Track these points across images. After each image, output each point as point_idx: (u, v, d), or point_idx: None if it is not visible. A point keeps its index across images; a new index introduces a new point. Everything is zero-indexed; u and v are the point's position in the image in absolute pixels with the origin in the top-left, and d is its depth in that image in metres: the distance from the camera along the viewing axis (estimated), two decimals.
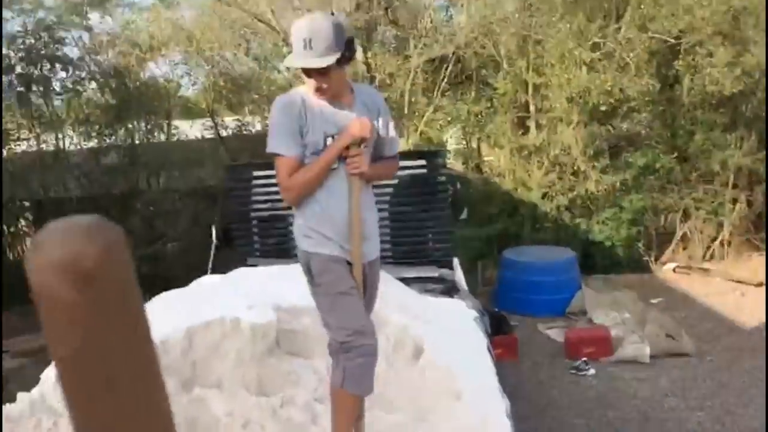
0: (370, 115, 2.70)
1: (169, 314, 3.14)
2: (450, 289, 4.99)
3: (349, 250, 2.64)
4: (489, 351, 3.61)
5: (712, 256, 10.26)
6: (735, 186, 10.01)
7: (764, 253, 10.14)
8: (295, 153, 2.58)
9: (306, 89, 2.65)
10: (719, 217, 10.05)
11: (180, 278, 9.10)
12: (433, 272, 5.36)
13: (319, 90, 2.56)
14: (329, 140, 2.60)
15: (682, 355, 6.45)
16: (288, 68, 10.61)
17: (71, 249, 0.55)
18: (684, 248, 10.35)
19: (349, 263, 2.66)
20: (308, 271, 2.69)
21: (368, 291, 2.74)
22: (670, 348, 6.50)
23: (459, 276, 5.56)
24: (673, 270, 9.76)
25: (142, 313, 0.62)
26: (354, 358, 2.51)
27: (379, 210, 5.54)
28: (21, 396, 2.56)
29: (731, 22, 9.36)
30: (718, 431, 4.99)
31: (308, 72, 2.53)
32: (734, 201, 9.99)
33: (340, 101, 2.66)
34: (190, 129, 11.62)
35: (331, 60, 2.48)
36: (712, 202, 10.01)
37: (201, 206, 10.35)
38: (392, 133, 2.88)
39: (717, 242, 10.25)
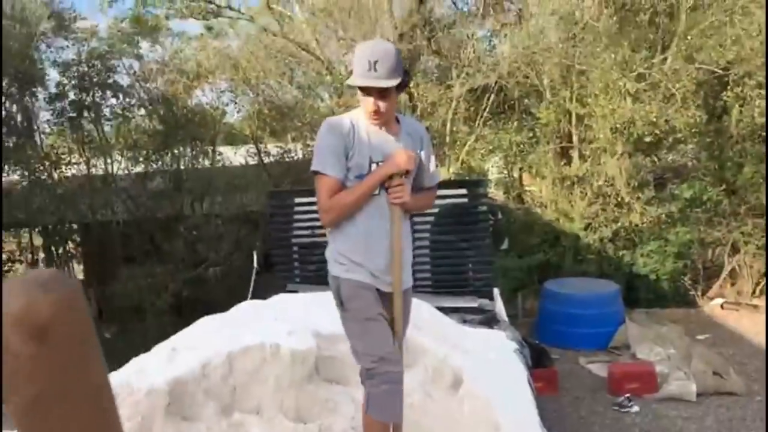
0: (414, 146, 2.75)
1: (210, 339, 3.17)
2: (490, 320, 4.93)
3: (380, 279, 2.66)
4: (529, 384, 3.54)
5: (761, 292, 9.95)
6: None
7: None
8: (339, 174, 2.59)
9: (357, 114, 2.69)
10: None
11: (221, 302, 9.22)
12: (473, 302, 5.30)
13: (375, 113, 2.59)
14: (374, 166, 2.63)
15: (730, 394, 6.24)
16: (331, 96, 10.80)
17: (26, 302, 0.57)
18: (732, 284, 10.07)
19: (378, 291, 2.67)
20: (338, 296, 2.70)
21: (401, 320, 2.74)
22: (717, 386, 6.28)
23: (499, 307, 5.49)
24: (721, 306, 9.49)
25: (98, 362, 0.63)
26: (378, 385, 2.54)
27: (420, 238, 5.62)
28: None
29: None
30: None
31: (369, 92, 2.56)
32: None
33: (387, 130, 2.70)
34: (234, 155, 11.83)
35: (395, 82, 2.55)
36: (762, 236, 9.73)
37: (243, 231, 10.50)
38: (433, 165, 2.91)
39: (766, 278, 9.95)
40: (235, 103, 12.10)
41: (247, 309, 3.91)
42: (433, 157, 2.92)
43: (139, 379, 2.77)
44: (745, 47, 9.07)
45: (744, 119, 9.58)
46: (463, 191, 5.84)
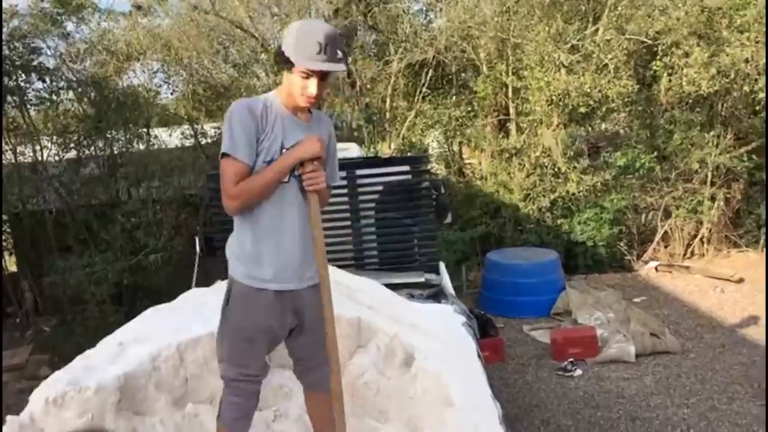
0: (324, 136, 2.69)
1: (158, 330, 3.11)
2: (437, 294, 4.99)
3: (288, 277, 2.59)
4: (479, 356, 3.62)
5: (692, 254, 10.41)
6: (713, 184, 10.16)
7: (742, 249, 10.34)
8: (249, 160, 2.47)
9: (271, 97, 2.59)
10: (698, 214, 10.19)
11: (163, 289, 9.08)
12: (419, 277, 5.35)
13: (313, 96, 2.50)
14: (284, 151, 2.53)
15: (666, 353, 6.53)
16: (267, 74, 10.62)
17: None
18: (665, 246, 10.48)
19: (281, 293, 2.59)
20: (226, 297, 2.63)
21: (309, 315, 2.67)
22: (654, 346, 6.57)
23: (446, 280, 5.56)
24: (655, 269, 9.87)
25: None
26: (230, 395, 2.63)
27: (365, 217, 5.62)
28: (10, 419, 2.52)
29: (705, 23, 9.50)
30: (704, 427, 5.05)
31: (309, 76, 2.47)
32: (713, 198, 10.13)
33: (300, 116, 2.62)
34: (170, 138, 11.52)
35: (344, 66, 2.50)
36: (692, 200, 10.14)
37: (182, 216, 10.28)
38: (335, 162, 2.84)
39: (697, 240, 10.39)
40: (169, 83, 11.79)
41: (193, 297, 3.85)
42: (336, 155, 2.85)
43: (87, 376, 2.70)
44: (671, 17, 9.34)
45: (673, 88, 9.89)
46: (406, 167, 5.85)
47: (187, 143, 11.52)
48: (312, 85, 2.48)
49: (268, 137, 2.51)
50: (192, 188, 10.69)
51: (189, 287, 5.35)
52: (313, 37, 2.42)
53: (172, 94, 12.07)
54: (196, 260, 6.06)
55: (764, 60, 9.11)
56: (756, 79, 9.36)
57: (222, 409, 2.63)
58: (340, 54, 2.50)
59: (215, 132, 11.47)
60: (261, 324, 2.59)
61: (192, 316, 3.28)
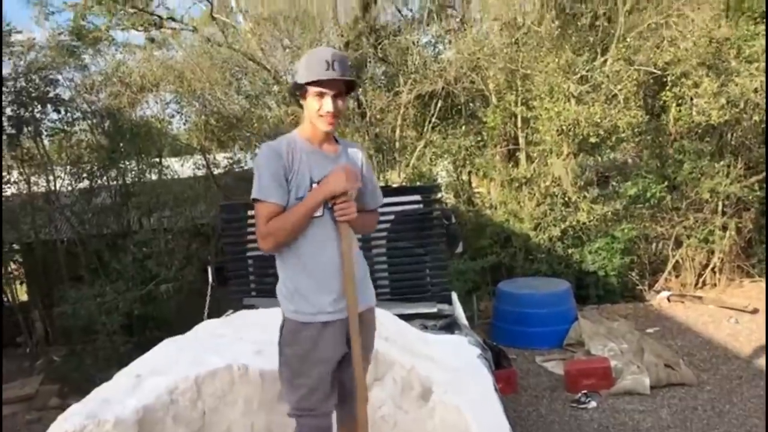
0: (353, 166, 2.72)
1: (174, 363, 3.10)
2: (450, 325, 4.97)
3: (333, 308, 2.61)
4: (495, 388, 3.59)
5: (704, 284, 10.35)
6: (724, 213, 10.13)
7: (755, 279, 10.26)
8: (280, 200, 2.52)
9: (293, 136, 2.66)
10: (710, 244, 10.15)
11: (173, 319, 9.08)
12: (431, 308, 5.33)
13: (330, 114, 2.55)
14: (314, 186, 2.57)
15: (681, 385, 6.45)
16: (279, 105, 10.73)
17: None
18: (677, 276, 10.42)
19: (329, 323, 2.61)
20: (279, 334, 2.67)
21: (362, 341, 2.69)
22: (669, 378, 6.49)
23: (458, 311, 5.54)
24: (667, 299, 9.80)
25: None
26: (300, 429, 2.64)
27: (376, 247, 5.62)
28: None
29: (714, 54, 9.57)
30: None
31: (323, 95, 2.53)
32: (724, 228, 10.10)
33: (326, 149, 2.67)
34: (182, 167, 11.63)
35: (352, 78, 2.58)
36: (703, 229, 10.11)
37: (194, 245, 10.32)
38: (374, 186, 2.88)
39: (708, 269, 10.33)
40: (181, 114, 11.91)
41: (208, 329, 3.85)
42: (374, 179, 2.90)
43: (104, 410, 2.69)
44: (680, 49, 9.41)
45: (682, 117, 9.93)
46: (417, 197, 5.87)
47: (199, 173, 11.61)
48: (327, 103, 2.55)
49: (296, 175, 2.56)
50: (203, 218, 10.75)
51: (200, 317, 5.36)
52: (321, 57, 2.54)
53: (184, 124, 12.20)
54: (209, 291, 6.07)
55: None
56: (766, 109, 9.40)
57: None
58: (348, 70, 2.58)
59: (227, 162, 11.56)
60: (313, 357, 2.60)
61: (209, 348, 3.27)
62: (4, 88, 10.02)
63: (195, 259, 10.05)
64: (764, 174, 10.18)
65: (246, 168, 11.24)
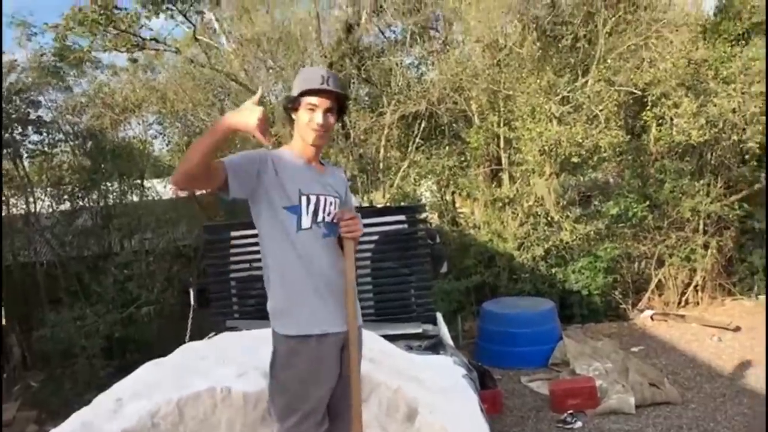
0: (338, 186, 2.79)
1: (156, 386, 3.04)
2: (435, 345, 4.93)
3: (324, 322, 2.59)
4: (481, 409, 3.56)
5: (687, 302, 10.41)
6: (705, 232, 10.23)
7: (737, 297, 10.35)
8: (227, 161, 2.46)
9: (285, 148, 2.70)
10: (692, 263, 10.22)
11: (154, 342, 8.95)
12: (416, 328, 5.30)
13: (322, 126, 2.59)
14: (303, 198, 2.59)
15: (666, 404, 6.44)
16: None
17: None
18: (660, 295, 10.48)
19: (320, 337, 2.59)
20: (272, 354, 2.64)
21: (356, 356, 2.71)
22: (654, 397, 6.48)
23: (443, 331, 5.50)
24: (651, 317, 9.84)
25: None
26: None
27: (360, 267, 5.58)
28: None
29: (693, 74, 9.72)
30: None
31: (315, 109, 2.58)
32: (705, 246, 10.18)
33: (314, 166, 2.71)
34: (164, 189, 11.55)
35: (345, 94, 2.65)
36: (684, 248, 10.19)
37: (175, 267, 10.22)
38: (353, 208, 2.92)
39: (691, 288, 10.40)
40: (164, 135, 11.87)
41: (190, 351, 3.78)
42: (352, 207, 2.92)
43: None
44: (660, 69, 9.55)
45: (663, 137, 10.05)
46: (402, 217, 5.85)
47: (182, 194, 11.53)
48: (318, 115, 2.59)
49: (285, 184, 2.57)
50: (185, 239, 10.66)
51: (182, 340, 5.28)
52: (317, 72, 2.66)
53: (167, 145, 12.15)
54: (191, 313, 5.99)
55: (751, 110, 9.31)
56: (744, 129, 9.54)
57: None
58: (342, 89, 2.66)
59: None
60: (315, 377, 2.58)
61: (191, 371, 3.22)
62: None
63: (176, 281, 9.95)
64: (744, 193, 10.33)
65: None
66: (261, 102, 2.47)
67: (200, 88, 11.11)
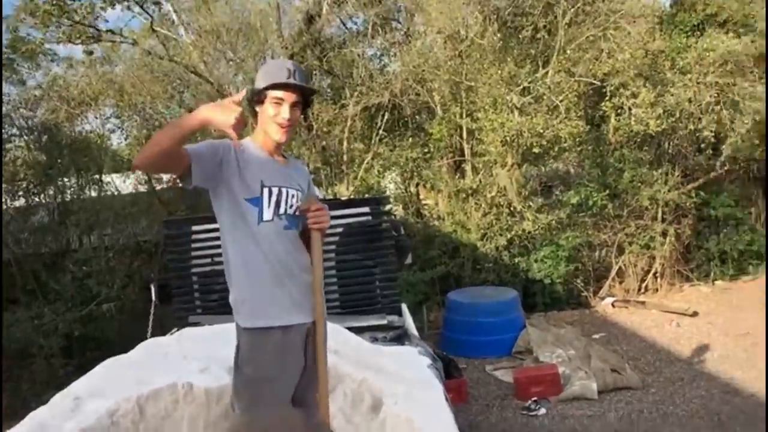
0: (302, 180, 2.78)
1: (116, 383, 2.98)
2: (400, 336, 4.94)
3: (287, 314, 2.59)
4: (446, 398, 3.57)
5: (646, 289, 10.62)
6: (663, 220, 10.43)
7: (694, 283, 10.60)
8: (191, 149, 2.40)
9: (249, 141, 2.65)
10: (651, 250, 10.42)
11: (115, 339, 8.78)
12: (381, 320, 5.30)
13: (287, 120, 2.56)
14: (266, 190, 2.58)
15: (627, 389, 6.57)
16: None
17: None
18: (620, 282, 10.66)
19: (285, 328, 2.58)
20: (237, 347, 2.61)
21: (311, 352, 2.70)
22: (615, 382, 6.61)
23: (409, 322, 5.50)
24: (612, 305, 10.01)
25: None
26: None
27: (325, 260, 5.54)
28: None
29: (650, 65, 9.89)
30: None
31: (281, 102, 2.54)
32: (664, 234, 10.39)
33: (276, 158, 2.69)
34: (123, 183, 11.33)
35: (314, 88, 2.63)
36: (644, 236, 10.38)
37: (136, 263, 10.04)
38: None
39: (650, 275, 10.61)
40: (122, 129, 11.62)
41: (151, 347, 3.72)
42: (318, 195, 2.96)
43: None
44: (618, 60, 9.68)
45: (621, 127, 10.21)
46: (366, 209, 5.83)
47: (142, 188, 11.33)
48: (285, 110, 2.56)
49: (245, 174, 2.54)
50: (146, 235, 10.48)
51: (143, 336, 5.19)
52: (282, 65, 2.63)
53: (126, 139, 11.90)
54: (152, 308, 5.89)
55: (706, 100, 9.51)
56: (699, 118, 9.75)
57: None
58: (308, 83, 2.64)
59: (170, 176, 11.30)
60: (273, 367, 2.55)
61: (153, 367, 3.16)
62: None
63: (137, 277, 9.77)
64: (700, 181, 10.57)
65: None
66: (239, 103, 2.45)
67: (159, 81, 10.90)
